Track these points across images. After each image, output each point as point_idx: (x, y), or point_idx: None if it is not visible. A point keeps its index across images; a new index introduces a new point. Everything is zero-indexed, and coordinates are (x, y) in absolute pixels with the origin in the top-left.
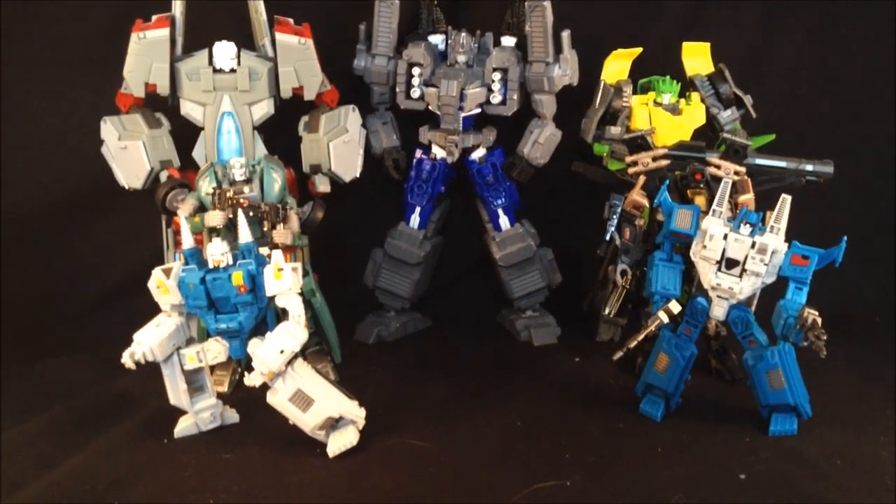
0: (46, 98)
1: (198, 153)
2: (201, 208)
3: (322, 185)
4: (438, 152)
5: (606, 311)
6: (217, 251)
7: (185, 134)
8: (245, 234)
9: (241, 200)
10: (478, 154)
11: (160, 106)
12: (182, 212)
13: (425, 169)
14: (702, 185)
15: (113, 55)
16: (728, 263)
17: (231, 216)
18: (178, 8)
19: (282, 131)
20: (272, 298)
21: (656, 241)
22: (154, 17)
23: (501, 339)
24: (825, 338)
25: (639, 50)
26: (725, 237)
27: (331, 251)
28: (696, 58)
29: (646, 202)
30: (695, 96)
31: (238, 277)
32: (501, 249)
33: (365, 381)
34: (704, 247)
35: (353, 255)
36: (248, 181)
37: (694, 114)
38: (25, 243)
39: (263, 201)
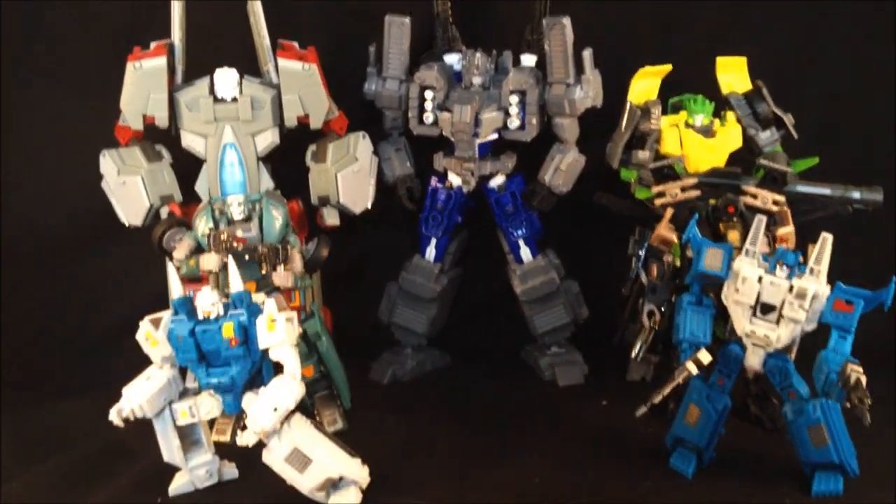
0: (49, 125)
1: (200, 187)
2: (199, 249)
3: (331, 218)
4: (454, 180)
5: (633, 354)
6: (206, 301)
7: (190, 165)
8: (236, 283)
9: (236, 243)
10: (496, 182)
11: (164, 135)
12: (177, 254)
13: (440, 198)
14: (735, 219)
15: (118, 80)
16: (763, 308)
17: (227, 260)
18: (177, 34)
19: (291, 160)
20: (266, 351)
21: (685, 282)
22: (152, 45)
23: (524, 378)
24: (869, 401)
25: (668, 67)
26: (760, 280)
27: (345, 285)
28: (732, 74)
29: (674, 237)
30: (730, 116)
31: (228, 329)
32: (523, 283)
33: (374, 429)
34: (737, 290)
35: (369, 289)
36: (247, 219)
37: (729, 136)
38: (26, 279)
39: (263, 242)
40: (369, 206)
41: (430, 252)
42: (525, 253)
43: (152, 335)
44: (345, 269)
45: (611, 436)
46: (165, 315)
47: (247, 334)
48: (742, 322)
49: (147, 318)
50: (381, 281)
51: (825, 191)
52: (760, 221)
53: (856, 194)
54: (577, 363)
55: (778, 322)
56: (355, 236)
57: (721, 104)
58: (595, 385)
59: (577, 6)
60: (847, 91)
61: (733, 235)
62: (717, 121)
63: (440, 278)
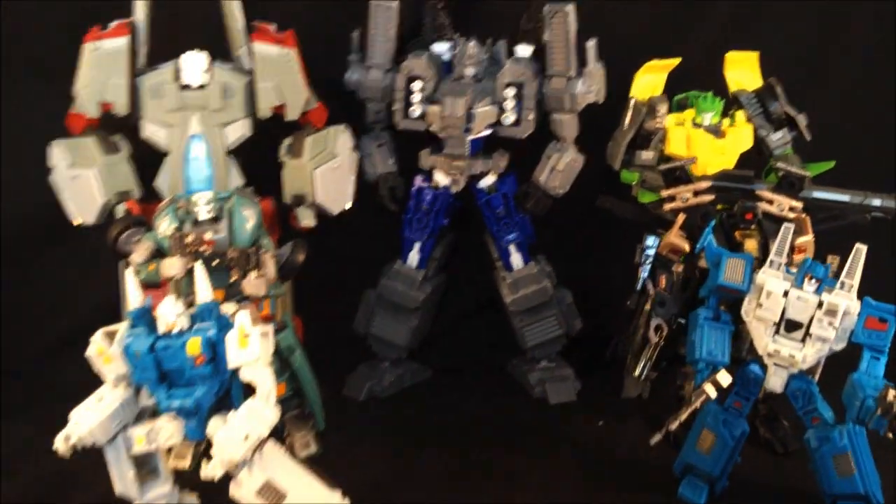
0: None
1: (161, 182)
2: (160, 252)
3: (306, 219)
4: (441, 180)
5: (637, 373)
6: (169, 313)
7: (151, 158)
8: (204, 292)
9: (203, 247)
10: (487, 182)
11: (122, 125)
12: (135, 257)
13: (426, 199)
14: (753, 227)
15: (73, 63)
16: (788, 326)
17: (192, 265)
18: (140, 12)
19: (261, 153)
20: (237, 370)
21: (699, 295)
22: (112, 24)
23: (512, 395)
24: None
25: (675, 61)
26: (786, 294)
27: (318, 292)
28: (742, 70)
29: (686, 245)
30: (739, 115)
31: (194, 345)
32: (513, 292)
33: (352, 453)
34: (760, 305)
35: (344, 297)
36: (215, 220)
37: (739, 136)
38: None
39: (232, 245)
40: (348, 207)
41: (413, 257)
42: (516, 259)
43: (106, 351)
44: (318, 274)
45: (610, 460)
46: (121, 328)
47: (215, 351)
48: (764, 340)
49: (100, 332)
50: (357, 288)
51: (843, 197)
52: (787, 230)
53: (876, 201)
54: (569, 379)
55: (804, 340)
56: (331, 238)
57: (729, 102)
58: (588, 402)
59: None
60: (861, 92)
61: (751, 244)
62: (725, 120)
63: (423, 286)
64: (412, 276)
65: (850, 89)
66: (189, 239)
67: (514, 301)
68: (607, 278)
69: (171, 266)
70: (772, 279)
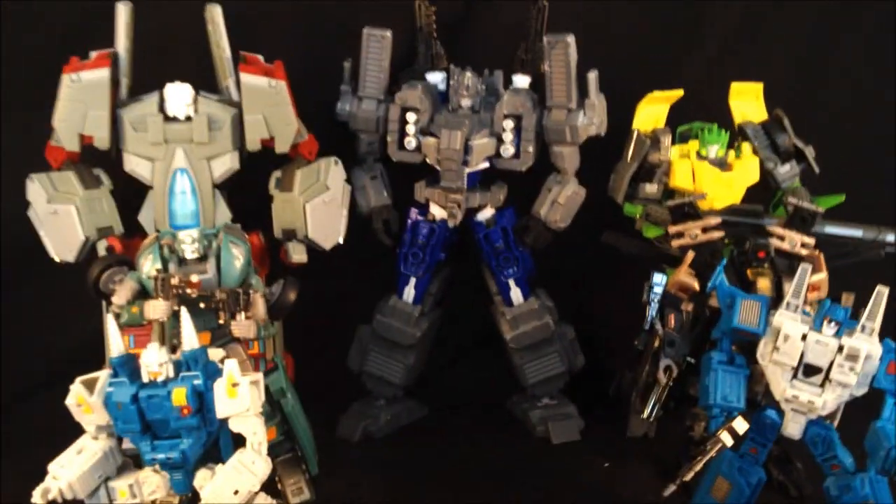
0: None
1: (145, 218)
2: (143, 293)
3: (297, 255)
4: (438, 213)
5: (645, 415)
6: (152, 360)
7: (134, 192)
8: (190, 338)
9: (189, 289)
10: (485, 215)
11: (104, 158)
12: (117, 299)
13: (422, 233)
14: (766, 265)
15: (53, 93)
16: (807, 370)
17: (177, 307)
18: (122, 43)
19: (250, 186)
20: (225, 421)
21: (712, 337)
22: (93, 54)
23: (513, 434)
24: None
25: (679, 93)
26: (804, 338)
27: (309, 328)
28: (747, 101)
29: (696, 284)
30: (746, 147)
31: (180, 395)
32: (513, 329)
33: (347, 497)
34: (776, 349)
35: (337, 334)
36: (202, 258)
37: (746, 169)
38: None
39: (220, 286)
40: (341, 241)
41: (409, 293)
42: (516, 294)
43: (86, 401)
44: (310, 309)
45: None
46: (102, 375)
47: (202, 401)
48: (781, 385)
49: (79, 380)
50: (351, 324)
51: (856, 233)
52: (805, 271)
53: (890, 237)
54: (572, 417)
55: (823, 385)
56: (323, 273)
57: (734, 134)
58: (593, 442)
59: (574, 24)
60: (869, 120)
61: (763, 283)
62: (731, 152)
63: (420, 322)
64: (408, 312)
65: (858, 116)
66: (174, 281)
67: (515, 338)
68: (610, 313)
69: (156, 309)
70: (789, 322)
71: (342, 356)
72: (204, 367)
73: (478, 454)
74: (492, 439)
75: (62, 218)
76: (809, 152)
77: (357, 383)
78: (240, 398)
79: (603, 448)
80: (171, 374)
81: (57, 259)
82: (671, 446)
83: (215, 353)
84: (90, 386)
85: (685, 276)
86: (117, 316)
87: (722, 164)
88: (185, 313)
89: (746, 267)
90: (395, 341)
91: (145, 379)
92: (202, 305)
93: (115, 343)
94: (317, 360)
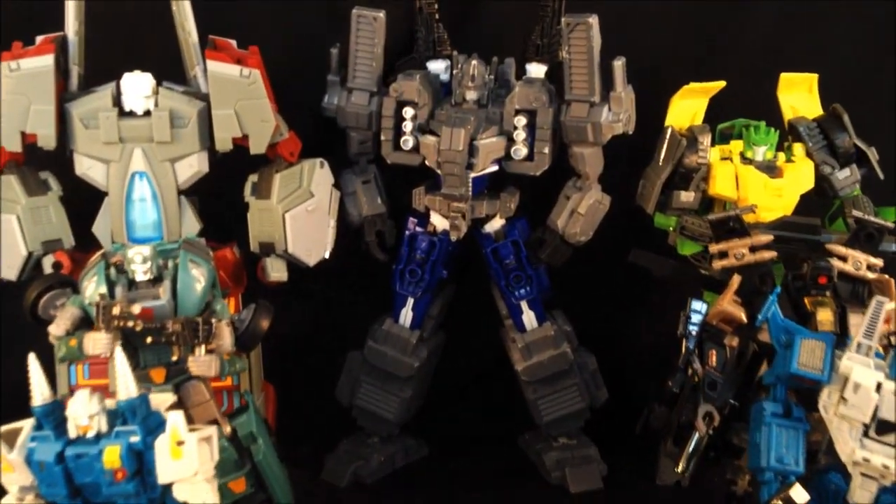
0: None
1: (100, 229)
2: (88, 320)
3: (276, 272)
4: (439, 224)
5: (681, 469)
6: (80, 412)
7: (90, 198)
8: (125, 385)
9: (133, 321)
10: (493, 227)
11: (53, 160)
12: (55, 328)
13: (421, 247)
14: (828, 293)
15: None
16: (881, 427)
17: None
18: (72, 25)
19: (224, 192)
20: (170, 486)
21: (763, 382)
22: (38, 39)
23: (525, 479)
24: None
25: (720, 84)
26: (878, 388)
27: (294, 354)
28: (798, 94)
29: (742, 315)
30: (798, 149)
31: (112, 455)
32: (525, 358)
33: None
34: (844, 400)
35: (325, 360)
36: (156, 280)
37: (798, 174)
38: None
39: (175, 316)
40: (327, 256)
41: (406, 315)
42: (529, 318)
43: (6, 458)
44: (294, 333)
45: None
46: (26, 426)
47: (141, 462)
48: (849, 444)
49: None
50: (340, 350)
51: None
52: (880, 305)
53: None
54: (593, 461)
55: None
56: (307, 293)
57: (784, 133)
58: (617, 490)
59: (597, 3)
60: None
61: (824, 315)
62: (781, 154)
63: (418, 350)
64: (405, 338)
65: None
66: (115, 310)
67: (527, 369)
68: (637, 339)
69: (96, 343)
70: (860, 368)
71: (330, 386)
72: (144, 420)
73: (484, 502)
74: (501, 485)
75: (2, 229)
76: (873, 154)
77: (347, 417)
78: (186, 460)
79: (629, 498)
80: (104, 428)
81: None
82: (707, 498)
83: (162, 399)
84: (11, 439)
85: (730, 305)
86: (57, 348)
87: (771, 169)
88: (119, 354)
89: (804, 295)
90: (389, 372)
91: (73, 434)
92: (148, 340)
93: (38, 387)
94: (301, 391)
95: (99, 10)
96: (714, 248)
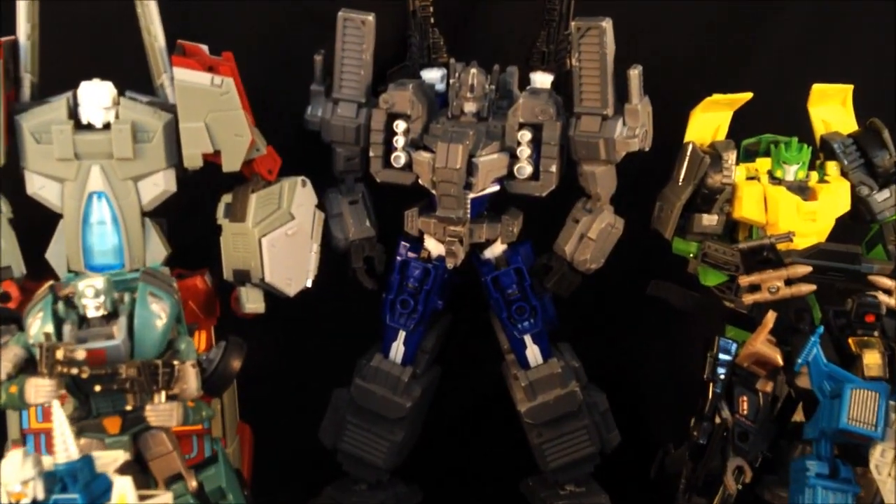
0: None
1: (54, 254)
2: (32, 362)
3: (251, 302)
4: (434, 249)
5: None
6: (11, 477)
7: (45, 219)
8: (63, 446)
9: (79, 367)
10: (494, 253)
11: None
12: None
13: (413, 275)
14: (875, 333)
15: None
16: None
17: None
18: (23, 29)
19: (196, 211)
20: None
21: (804, 437)
22: None
23: None
24: None
25: (746, 96)
26: None
27: (272, 391)
28: (831, 107)
29: (778, 357)
30: (832, 168)
31: None
32: (529, 398)
33: None
34: None
35: (307, 398)
36: (110, 316)
37: (834, 196)
38: None
39: (132, 357)
40: (309, 285)
41: (397, 350)
42: (533, 354)
43: None
44: (273, 369)
45: None
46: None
47: None
48: None
49: None
50: (324, 387)
51: None
52: None
53: None
54: None
55: None
56: (287, 325)
57: (816, 149)
58: None
59: (609, 6)
60: None
61: (872, 357)
62: (813, 174)
63: (410, 388)
64: (395, 375)
65: None
66: (59, 354)
67: (532, 410)
68: (651, 375)
69: (38, 391)
70: None
71: (313, 427)
72: (86, 485)
73: None
74: None
75: None
76: None
77: (332, 461)
78: None
79: None
80: (41, 496)
81: None
82: None
83: (111, 459)
84: None
85: (764, 345)
86: None
87: (803, 190)
88: (56, 408)
89: (848, 334)
90: (378, 413)
91: (5, 501)
92: (97, 389)
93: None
94: (280, 433)
95: (55, 12)
96: (745, 280)
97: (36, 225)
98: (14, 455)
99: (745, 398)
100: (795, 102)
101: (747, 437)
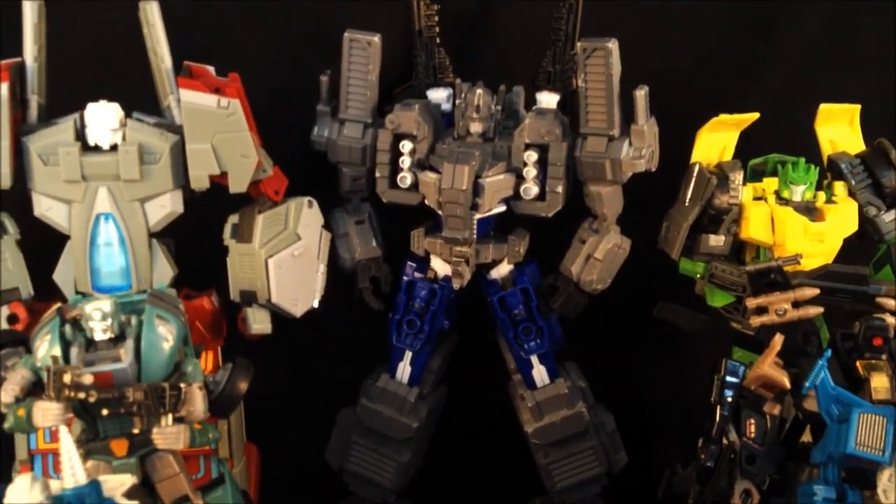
0: None
1: (62, 276)
2: (41, 384)
3: (258, 323)
4: (440, 270)
5: None
6: (19, 500)
7: (53, 240)
8: (72, 472)
9: (86, 392)
10: (500, 273)
11: (8, 199)
12: (3, 395)
13: (420, 296)
14: (884, 357)
15: None
16: None
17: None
18: (30, 50)
19: (201, 232)
20: None
21: (812, 461)
22: None
23: None
24: None
25: (752, 116)
26: None
27: (279, 412)
28: (839, 127)
29: (786, 380)
30: (839, 188)
31: None
32: (536, 419)
33: None
34: None
35: (313, 418)
36: (117, 339)
37: (842, 216)
38: None
39: (139, 380)
40: (316, 306)
41: (404, 370)
42: (539, 374)
43: None
44: (280, 389)
45: None
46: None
47: None
48: None
49: None
50: (330, 407)
51: None
52: None
53: None
54: None
55: None
56: (294, 345)
57: (823, 170)
58: None
59: (616, 27)
60: None
61: (880, 381)
62: (820, 194)
63: (417, 409)
64: (402, 395)
65: None
66: (66, 378)
67: (538, 431)
68: (658, 395)
69: (46, 414)
70: None
71: (319, 448)
72: None
73: None
74: None
75: None
76: None
77: (338, 482)
78: None
79: None
80: None
81: None
82: None
83: (118, 483)
84: None
85: (771, 368)
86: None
87: (810, 211)
88: (64, 434)
89: (856, 357)
90: (385, 434)
91: None
92: (105, 412)
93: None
94: (287, 453)
95: (61, 34)
96: (752, 302)
97: (43, 246)
98: (22, 480)
99: (752, 421)
100: (802, 122)
101: (755, 459)
